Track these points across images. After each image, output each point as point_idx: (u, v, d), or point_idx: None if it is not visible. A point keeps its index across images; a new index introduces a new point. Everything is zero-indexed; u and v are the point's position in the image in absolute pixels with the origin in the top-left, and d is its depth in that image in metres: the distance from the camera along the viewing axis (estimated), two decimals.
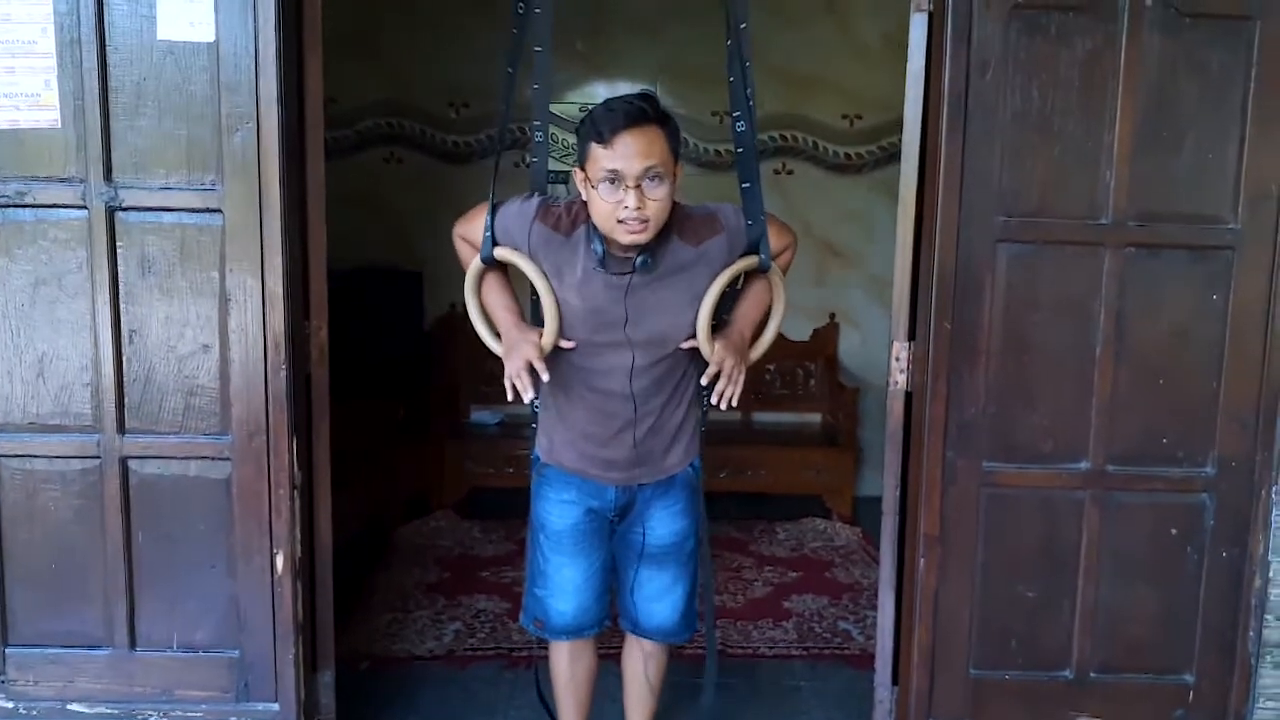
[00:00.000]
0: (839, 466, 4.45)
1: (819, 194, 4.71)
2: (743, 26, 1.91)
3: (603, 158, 1.77)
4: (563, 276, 1.89)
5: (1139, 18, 2.11)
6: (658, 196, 1.78)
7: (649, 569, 2.09)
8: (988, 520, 2.27)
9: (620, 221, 1.78)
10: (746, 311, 2.01)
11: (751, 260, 1.94)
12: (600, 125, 1.77)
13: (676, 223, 1.88)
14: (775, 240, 1.98)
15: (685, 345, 1.92)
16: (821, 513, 4.41)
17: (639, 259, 1.85)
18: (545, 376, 1.83)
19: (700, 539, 2.13)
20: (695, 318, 1.90)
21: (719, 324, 1.96)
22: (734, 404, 1.91)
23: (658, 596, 2.10)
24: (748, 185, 1.93)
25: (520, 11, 1.94)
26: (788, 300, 2.02)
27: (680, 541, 2.09)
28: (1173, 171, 2.17)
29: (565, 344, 1.90)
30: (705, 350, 1.90)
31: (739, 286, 2.01)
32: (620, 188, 1.77)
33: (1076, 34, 2.13)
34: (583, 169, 1.83)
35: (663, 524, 2.07)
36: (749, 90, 1.93)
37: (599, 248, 1.85)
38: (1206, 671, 2.32)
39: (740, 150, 1.95)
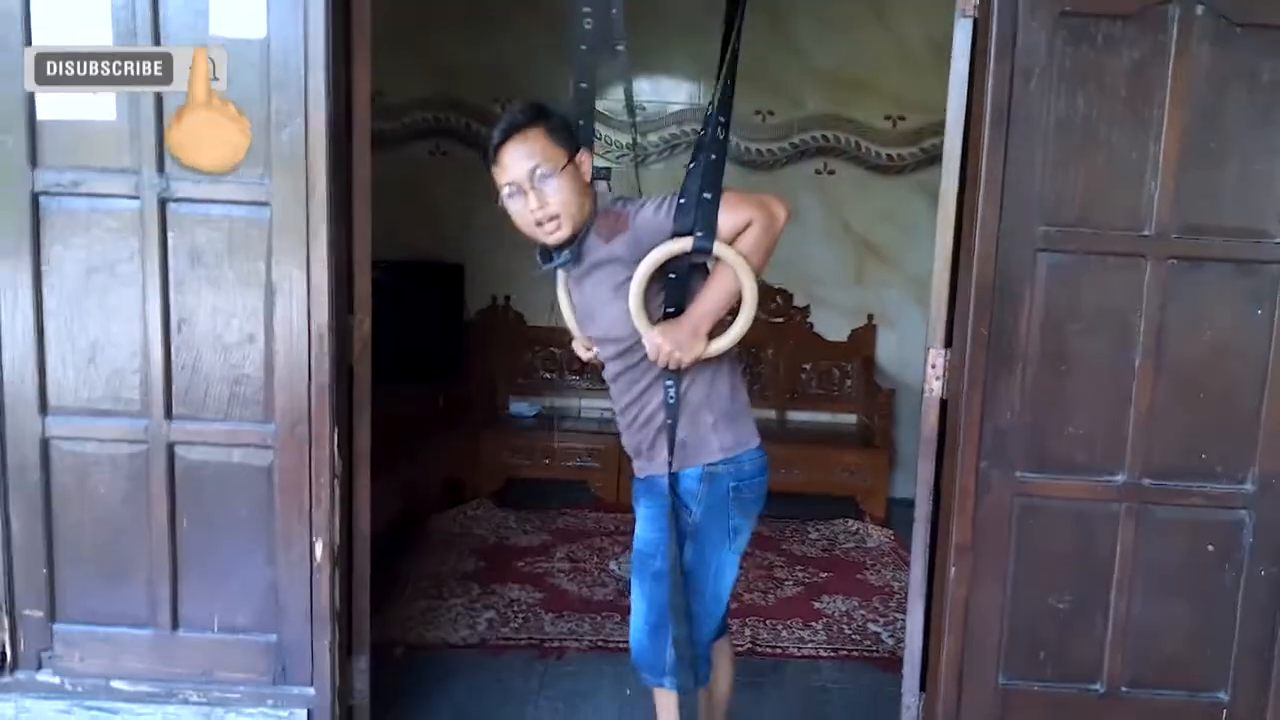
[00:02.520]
0: (873, 468, 4.44)
1: (860, 194, 4.70)
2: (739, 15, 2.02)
3: (496, 175, 1.88)
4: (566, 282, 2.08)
5: (1189, 27, 2.08)
6: (552, 190, 1.84)
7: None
8: (1020, 530, 2.26)
9: (538, 225, 1.86)
10: (704, 301, 1.88)
11: (684, 243, 1.82)
12: (488, 150, 1.88)
13: (596, 217, 1.92)
14: (730, 218, 1.83)
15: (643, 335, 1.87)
16: (854, 514, 4.40)
17: (559, 256, 1.93)
18: (590, 355, 2.08)
19: (672, 564, 1.92)
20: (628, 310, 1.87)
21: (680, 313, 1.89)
22: (680, 366, 1.87)
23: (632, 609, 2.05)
24: (693, 165, 1.86)
25: (587, 26, 1.94)
26: (756, 285, 1.87)
27: (645, 551, 1.99)
28: (1219, 184, 2.14)
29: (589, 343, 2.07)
30: (644, 337, 1.87)
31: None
32: (521, 195, 1.85)
33: (1124, 43, 2.10)
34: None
35: (639, 525, 2.03)
36: (731, 80, 1.96)
37: (539, 250, 1.97)
38: (1242, 690, 2.29)
39: (701, 132, 1.94)
